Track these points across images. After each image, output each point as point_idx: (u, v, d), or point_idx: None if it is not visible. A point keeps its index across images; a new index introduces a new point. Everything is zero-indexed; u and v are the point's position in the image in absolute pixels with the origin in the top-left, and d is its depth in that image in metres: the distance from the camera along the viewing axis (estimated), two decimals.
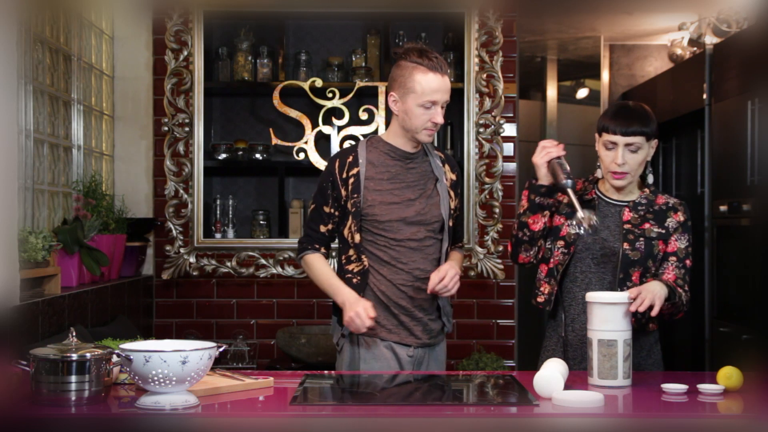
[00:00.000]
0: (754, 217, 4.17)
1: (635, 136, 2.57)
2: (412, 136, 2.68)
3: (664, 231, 2.62)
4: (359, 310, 2.57)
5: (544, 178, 2.61)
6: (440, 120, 2.64)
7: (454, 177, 2.81)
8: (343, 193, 2.69)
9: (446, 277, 2.62)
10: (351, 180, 2.69)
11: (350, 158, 2.72)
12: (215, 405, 2.10)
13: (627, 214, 2.64)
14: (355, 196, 2.67)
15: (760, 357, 3.78)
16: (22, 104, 3.39)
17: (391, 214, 2.67)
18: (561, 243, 2.66)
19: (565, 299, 2.67)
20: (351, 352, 2.69)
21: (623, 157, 2.58)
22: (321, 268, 2.74)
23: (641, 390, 2.29)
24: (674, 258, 2.61)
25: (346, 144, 4.46)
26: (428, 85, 2.60)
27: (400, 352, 2.67)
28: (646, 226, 2.62)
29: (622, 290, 2.54)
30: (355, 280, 2.69)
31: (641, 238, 2.60)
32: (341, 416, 2.05)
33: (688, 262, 2.62)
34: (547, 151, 2.58)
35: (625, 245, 2.59)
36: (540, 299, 2.70)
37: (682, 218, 2.65)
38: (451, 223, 2.75)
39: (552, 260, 2.68)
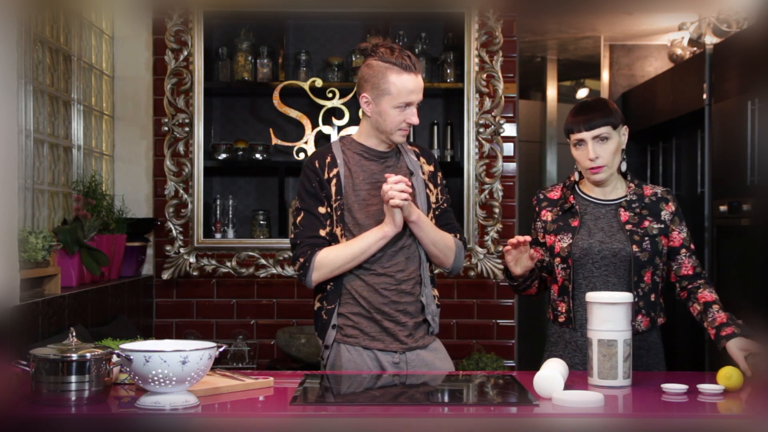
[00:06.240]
0: (754, 217, 4.17)
1: (600, 127, 2.59)
2: (386, 137, 2.59)
3: (663, 226, 2.64)
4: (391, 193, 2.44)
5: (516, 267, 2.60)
6: (416, 121, 2.55)
7: (431, 168, 2.70)
8: (332, 192, 2.58)
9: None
10: (333, 181, 2.58)
11: (328, 158, 2.61)
12: (215, 405, 2.10)
13: (624, 215, 2.64)
14: (339, 198, 2.57)
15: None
16: (22, 104, 3.39)
17: (369, 216, 2.56)
18: (558, 260, 2.66)
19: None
20: (332, 364, 2.60)
21: (594, 151, 2.59)
22: (339, 247, 2.55)
23: (641, 390, 2.28)
24: (684, 250, 2.65)
25: None
26: (404, 86, 2.51)
27: (385, 360, 2.58)
28: (646, 224, 2.62)
29: (636, 293, 2.58)
30: (328, 287, 2.60)
31: (646, 238, 2.60)
32: (341, 416, 2.05)
33: (693, 246, 2.68)
34: None
35: (635, 248, 2.59)
36: (561, 319, 2.68)
37: (673, 207, 2.67)
38: (431, 216, 2.64)
39: (558, 278, 2.67)
